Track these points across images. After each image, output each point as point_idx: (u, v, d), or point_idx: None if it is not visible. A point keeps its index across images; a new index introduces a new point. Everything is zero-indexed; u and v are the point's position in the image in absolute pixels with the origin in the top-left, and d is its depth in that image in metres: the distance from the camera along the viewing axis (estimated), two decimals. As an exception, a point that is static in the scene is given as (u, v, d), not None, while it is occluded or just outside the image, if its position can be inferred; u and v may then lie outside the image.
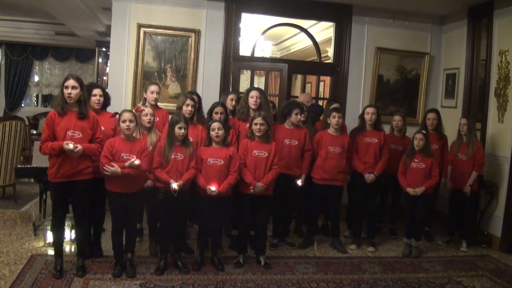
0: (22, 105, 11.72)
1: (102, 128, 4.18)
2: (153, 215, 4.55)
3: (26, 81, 11.25)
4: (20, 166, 5.43)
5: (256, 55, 6.97)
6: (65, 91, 3.77)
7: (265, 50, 9.47)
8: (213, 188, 4.08)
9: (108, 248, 4.39)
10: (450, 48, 6.58)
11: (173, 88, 6.13)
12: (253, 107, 4.81)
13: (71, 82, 3.77)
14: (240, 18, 6.29)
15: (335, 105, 5.38)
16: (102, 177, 3.98)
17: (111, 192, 4.00)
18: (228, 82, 6.20)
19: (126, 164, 3.85)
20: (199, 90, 6.09)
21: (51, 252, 4.34)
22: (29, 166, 5.14)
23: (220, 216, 4.26)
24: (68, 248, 4.54)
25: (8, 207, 6.03)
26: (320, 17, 6.75)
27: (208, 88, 6.14)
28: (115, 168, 3.83)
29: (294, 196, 5.02)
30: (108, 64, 6.17)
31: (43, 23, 10.02)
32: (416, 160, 4.92)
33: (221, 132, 4.16)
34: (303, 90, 8.92)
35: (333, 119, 4.90)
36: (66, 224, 4.24)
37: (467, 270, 4.70)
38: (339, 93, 6.53)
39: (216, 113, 4.60)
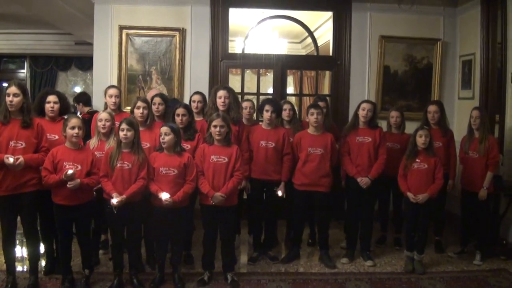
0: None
1: (56, 137, 3.95)
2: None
3: (52, 93, 11.40)
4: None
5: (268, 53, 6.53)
6: (7, 99, 3.57)
7: (281, 48, 8.89)
8: (165, 196, 3.67)
9: (75, 263, 4.06)
10: (465, 32, 5.83)
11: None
12: (221, 108, 4.38)
13: (12, 89, 3.58)
14: (228, 13, 5.87)
15: (319, 103, 4.80)
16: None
17: (57, 205, 3.69)
18: (217, 82, 5.79)
19: (62, 177, 3.53)
20: (186, 92, 5.81)
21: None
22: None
23: (177, 230, 3.84)
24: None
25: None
26: (316, 7, 6.18)
27: (197, 89, 5.68)
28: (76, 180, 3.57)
29: (274, 204, 4.53)
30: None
31: (62, 34, 10.07)
32: (418, 160, 4.29)
33: (167, 138, 3.74)
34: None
35: (311, 117, 4.37)
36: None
37: (473, 289, 4.00)
38: (340, 88, 5.97)
39: (178, 115, 4.19)
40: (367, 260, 4.56)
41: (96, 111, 4.88)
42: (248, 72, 7.59)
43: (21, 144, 3.60)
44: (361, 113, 4.52)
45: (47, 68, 11.04)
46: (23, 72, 11.09)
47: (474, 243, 4.72)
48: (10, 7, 7.05)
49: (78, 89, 11.45)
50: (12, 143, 3.57)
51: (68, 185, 3.54)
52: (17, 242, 4.34)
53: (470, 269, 4.47)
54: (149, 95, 4.87)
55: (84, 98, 5.52)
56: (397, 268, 4.47)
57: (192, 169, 3.84)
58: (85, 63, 11.27)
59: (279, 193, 4.46)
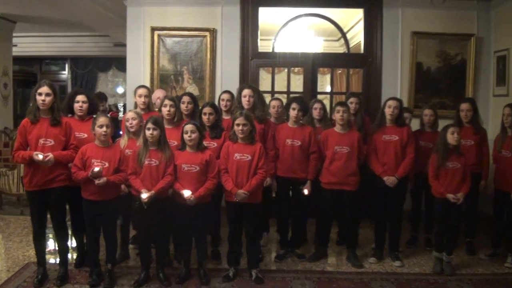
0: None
1: (85, 135, 4.10)
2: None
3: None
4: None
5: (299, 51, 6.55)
6: (39, 98, 3.71)
7: (316, 46, 8.81)
8: (187, 193, 3.75)
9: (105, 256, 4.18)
10: (499, 27, 5.65)
11: (191, 90, 5.88)
12: (246, 106, 4.43)
13: (44, 89, 3.72)
14: (258, 13, 5.93)
15: (351, 99, 4.81)
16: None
17: (85, 200, 3.83)
18: (247, 81, 5.83)
19: (89, 175, 3.66)
20: (217, 91, 5.86)
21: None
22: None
23: (200, 226, 3.92)
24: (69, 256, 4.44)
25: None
26: (346, 4, 6.15)
27: (228, 88, 5.77)
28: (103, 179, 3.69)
29: (300, 202, 4.54)
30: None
31: (100, 36, 10.36)
32: (451, 159, 4.18)
33: (194, 136, 3.82)
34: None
35: (337, 114, 4.35)
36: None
37: (501, 292, 3.88)
38: (372, 86, 5.90)
39: (205, 114, 4.27)
40: (395, 260, 4.48)
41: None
42: (285, 71, 7.59)
43: (50, 142, 3.73)
44: (387, 110, 4.45)
45: (88, 69, 11.40)
46: (65, 74, 11.51)
47: (507, 245, 4.57)
48: (41, 10, 7.30)
49: (120, 90, 11.77)
50: (41, 141, 3.71)
51: (95, 182, 3.67)
52: (51, 235, 4.55)
53: (500, 271, 4.32)
54: (154, 96, 4.98)
55: (104, 96, 5.67)
56: (426, 269, 4.38)
57: (213, 166, 3.90)
58: (124, 64, 11.50)
59: (305, 191, 4.46)
